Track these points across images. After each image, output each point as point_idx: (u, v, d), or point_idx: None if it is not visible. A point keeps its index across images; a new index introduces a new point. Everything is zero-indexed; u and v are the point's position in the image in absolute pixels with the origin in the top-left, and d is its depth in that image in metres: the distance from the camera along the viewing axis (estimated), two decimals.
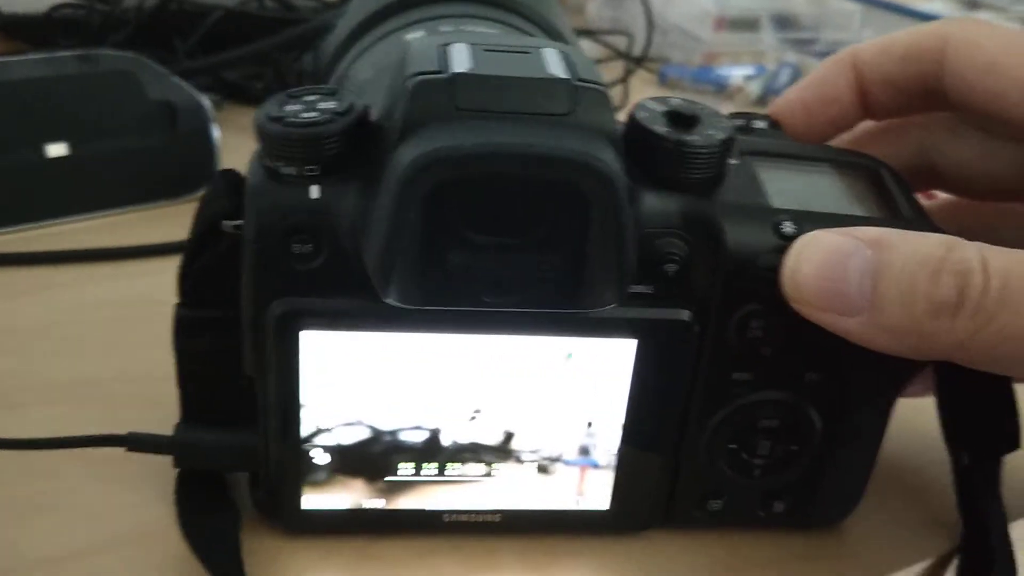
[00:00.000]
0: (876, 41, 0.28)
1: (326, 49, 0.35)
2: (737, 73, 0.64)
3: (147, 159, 0.43)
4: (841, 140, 0.29)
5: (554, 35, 0.33)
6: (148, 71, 0.45)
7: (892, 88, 0.27)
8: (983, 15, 0.71)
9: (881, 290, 0.21)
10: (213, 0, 0.55)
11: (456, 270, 0.21)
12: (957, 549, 0.27)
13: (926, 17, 0.68)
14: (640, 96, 0.63)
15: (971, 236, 0.21)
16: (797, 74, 0.63)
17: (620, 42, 0.66)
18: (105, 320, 0.35)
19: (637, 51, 0.65)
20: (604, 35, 0.67)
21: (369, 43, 0.32)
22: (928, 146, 0.29)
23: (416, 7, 0.32)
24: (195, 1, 0.55)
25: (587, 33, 0.68)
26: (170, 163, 0.44)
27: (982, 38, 0.26)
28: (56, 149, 0.41)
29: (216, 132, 0.44)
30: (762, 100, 0.62)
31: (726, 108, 0.29)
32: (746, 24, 0.67)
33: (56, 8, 0.55)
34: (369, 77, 0.29)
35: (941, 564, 0.27)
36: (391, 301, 0.21)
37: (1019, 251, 0.21)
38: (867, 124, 0.30)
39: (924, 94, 0.27)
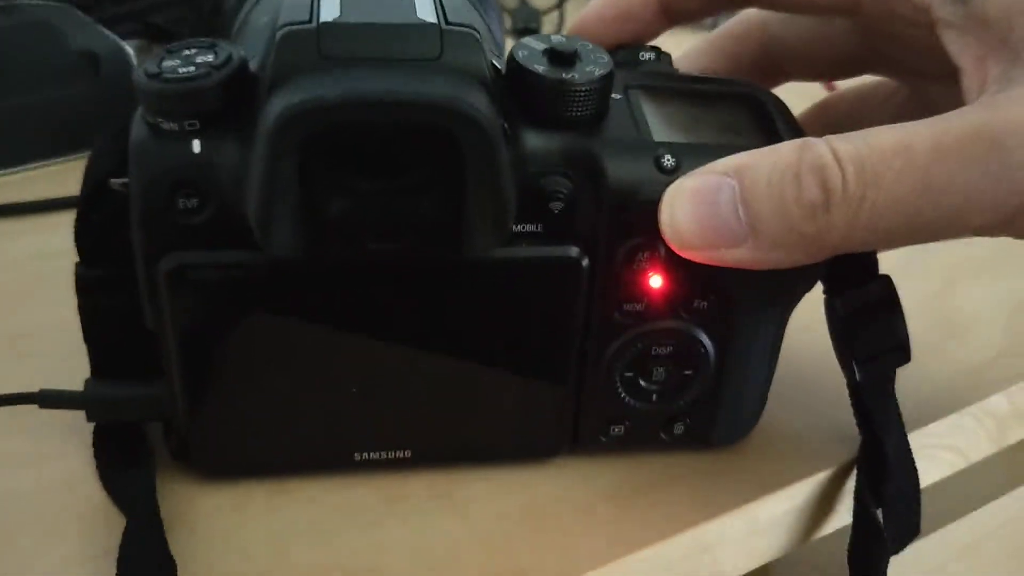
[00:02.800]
0: None
1: None
2: None
3: (71, 110, 0.43)
4: (688, 58, 0.30)
5: None
6: (71, 19, 0.44)
7: None
8: None
9: (755, 211, 0.22)
10: None
11: (335, 217, 0.22)
12: (856, 459, 0.28)
13: None
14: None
15: (840, 130, 0.22)
16: None
17: None
18: (29, 274, 0.35)
19: None
20: None
21: None
22: (769, 43, 0.30)
23: None
24: None
25: None
26: (94, 113, 0.44)
27: None
28: None
29: None
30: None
31: None
32: None
33: None
34: (264, 23, 0.29)
35: (842, 473, 0.29)
36: (274, 252, 0.22)
37: (859, 132, 0.22)
38: (710, 38, 0.31)
39: None
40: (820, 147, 0.22)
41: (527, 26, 0.58)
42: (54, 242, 0.36)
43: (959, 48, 0.23)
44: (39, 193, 0.40)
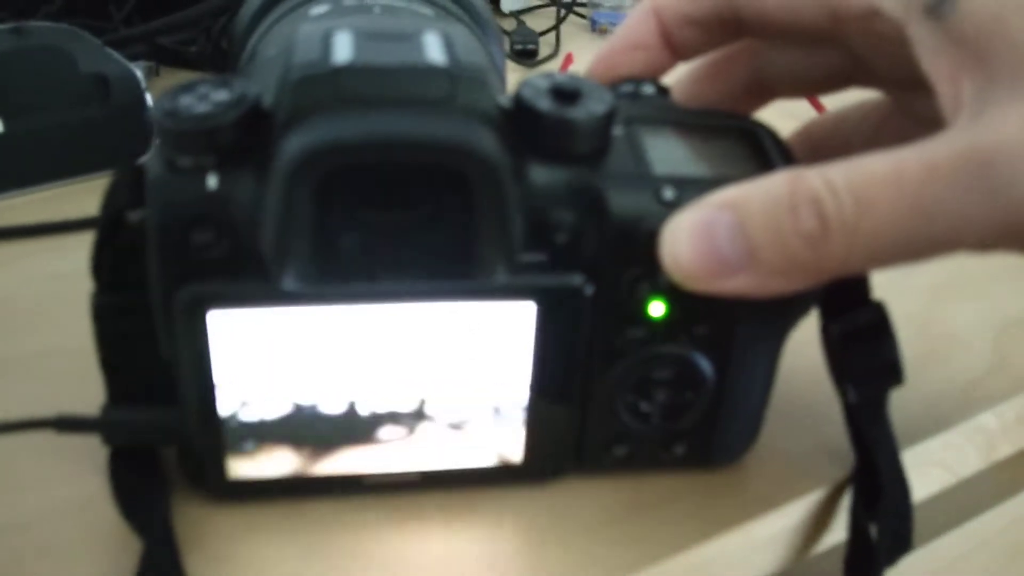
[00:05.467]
0: None
1: (240, 20, 0.36)
2: None
3: (82, 132, 0.44)
4: (682, 84, 0.31)
5: (462, 2, 0.34)
6: (81, 43, 0.45)
7: (692, 27, 0.28)
8: None
9: (753, 242, 0.22)
10: None
11: (348, 251, 0.23)
12: (851, 477, 0.29)
13: None
14: (574, 42, 0.64)
15: (825, 149, 0.23)
16: None
17: None
18: (43, 295, 0.36)
19: None
20: None
21: (278, 16, 0.33)
22: (757, 63, 0.31)
23: None
24: None
25: None
26: (106, 134, 0.45)
27: None
28: None
29: (151, 101, 0.45)
30: None
31: None
32: None
33: None
34: (273, 55, 0.30)
35: (836, 492, 0.29)
36: (288, 285, 0.23)
37: (849, 160, 0.22)
38: (702, 63, 0.31)
39: (723, 27, 0.28)
40: (812, 178, 0.22)
41: (525, 47, 0.59)
42: (68, 263, 0.37)
43: (932, 67, 0.24)
44: (52, 214, 0.41)
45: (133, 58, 0.47)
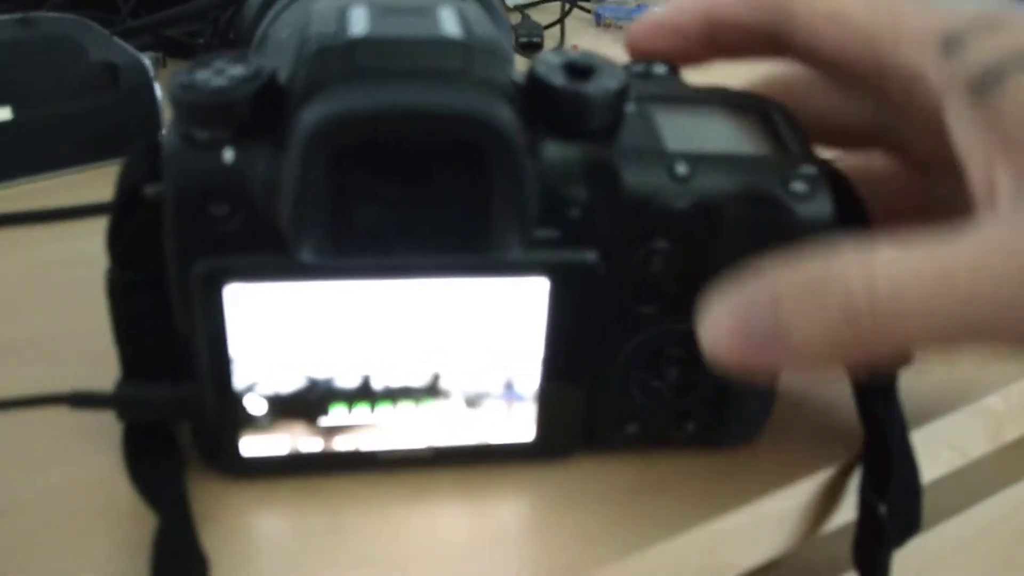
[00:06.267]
0: None
1: (247, 11, 0.36)
2: None
3: (91, 120, 0.44)
4: None
5: None
6: (89, 32, 0.46)
7: (741, 31, 0.28)
8: None
9: (788, 328, 0.22)
10: None
11: (364, 224, 0.23)
12: (860, 456, 0.29)
13: None
14: (579, 36, 0.65)
15: None
16: None
17: None
18: (55, 279, 0.36)
19: None
20: None
21: (284, 4, 0.33)
22: (791, 104, 0.30)
23: None
24: None
25: None
26: (114, 123, 0.45)
27: None
28: (0, 113, 0.42)
29: (159, 90, 0.45)
30: None
31: None
32: None
33: None
34: (286, 36, 0.30)
35: (846, 471, 0.30)
36: (305, 258, 0.23)
37: (895, 251, 0.21)
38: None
39: (772, 41, 0.28)
40: (854, 272, 0.22)
41: (530, 40, 0.59)
42: (80, 247, 0.37)
43: (966, 145, 0.23)
44: (63, 200, 0.41)
45: (140, 50, 0.47)
